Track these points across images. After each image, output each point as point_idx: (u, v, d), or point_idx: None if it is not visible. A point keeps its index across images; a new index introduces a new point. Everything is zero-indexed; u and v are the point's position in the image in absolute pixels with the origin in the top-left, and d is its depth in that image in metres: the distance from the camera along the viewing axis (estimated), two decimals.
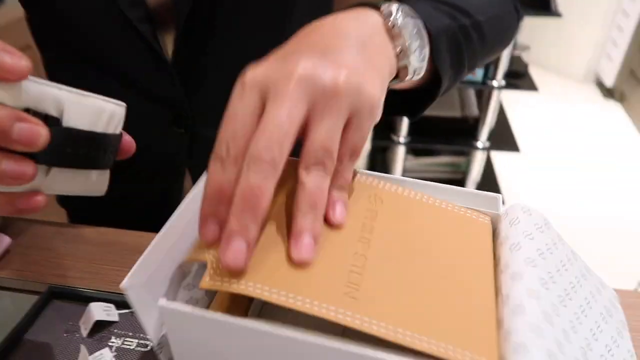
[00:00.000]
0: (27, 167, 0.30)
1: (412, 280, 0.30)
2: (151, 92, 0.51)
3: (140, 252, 0.30)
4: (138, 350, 0.45)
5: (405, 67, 0.36)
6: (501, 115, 2.58)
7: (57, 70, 0.57)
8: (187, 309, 0.28)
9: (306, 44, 0.32)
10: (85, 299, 0.48)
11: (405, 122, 1.85)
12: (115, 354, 0.44)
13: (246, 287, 0.27)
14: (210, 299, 0.34)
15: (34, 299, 0.48)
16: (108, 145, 0.36)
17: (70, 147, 0.33)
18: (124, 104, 0.36)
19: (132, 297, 0.29)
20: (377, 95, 0.31)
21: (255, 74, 0.30)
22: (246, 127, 0.28)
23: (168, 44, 0.50)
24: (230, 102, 0.30)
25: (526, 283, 0.30)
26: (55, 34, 0.53)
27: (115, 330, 0.46)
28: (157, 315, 0.31)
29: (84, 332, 0.46)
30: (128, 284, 0.29)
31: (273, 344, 0.27)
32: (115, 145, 0.37)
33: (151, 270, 0.31)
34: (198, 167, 0.36)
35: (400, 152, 1.94)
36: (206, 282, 0.28)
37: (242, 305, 0.35)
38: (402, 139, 1.90)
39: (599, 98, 2.97)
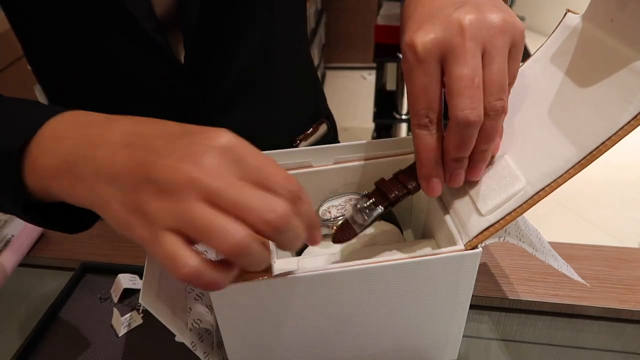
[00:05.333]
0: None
1: None
2: (167, 95, 0.54)
3: None
4: None
5: None
6: None
7: (64, 91, 0.58)
8: (237, 285, 0.32)
9: (446, 4, 0.35)
10: (113, 272, 0.56)
11: (406, 100, 1.90)
12: (142, 314, 0.52)
13: None
14: None
15: (70, 274, 0.56)
16: None
17: None
18: None
19: (152, 309, 0.32)
20: (522, 25, 0.35)
21: (424, 44, 0.32)
22: (437, 94, 0.33)
23: (179, 49, 0.53)
24: (413, 76, 0.33)
25: None
26: (62, 59, 0.53)
27: None
28: (177, 317, 0.35)
29: (115, 299, 0.53)
30: (144, 301, 0.32)
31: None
32: None
33: (157, 281, 0.35)
34: None
35: (404, 128, 1.99)
36: None
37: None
38: (404, 116, 1.95)
39: None
